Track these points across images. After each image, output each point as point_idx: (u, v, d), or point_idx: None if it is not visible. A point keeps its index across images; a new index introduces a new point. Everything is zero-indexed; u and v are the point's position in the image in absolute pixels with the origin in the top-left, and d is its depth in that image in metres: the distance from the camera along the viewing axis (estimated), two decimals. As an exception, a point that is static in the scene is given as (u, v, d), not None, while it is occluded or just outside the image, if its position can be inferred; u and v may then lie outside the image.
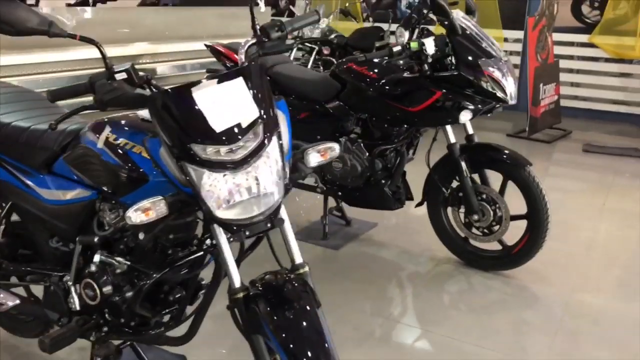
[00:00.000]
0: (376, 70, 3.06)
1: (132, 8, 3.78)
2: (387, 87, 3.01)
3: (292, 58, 6.36)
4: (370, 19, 7.88)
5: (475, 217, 3.05)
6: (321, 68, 6.19)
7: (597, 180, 4.88)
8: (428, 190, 3.22)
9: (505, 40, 7.41)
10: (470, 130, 3.13)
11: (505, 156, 2.99)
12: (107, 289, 1.76)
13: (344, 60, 3.23)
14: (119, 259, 1.77)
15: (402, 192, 3.29)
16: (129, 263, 1.76)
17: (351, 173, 3.22)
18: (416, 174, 3.27)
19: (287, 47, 1.73)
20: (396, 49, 2.85)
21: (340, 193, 3.37)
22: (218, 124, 1.39)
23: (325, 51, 6.51)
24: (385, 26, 6.29)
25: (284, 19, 1.74)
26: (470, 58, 2.84)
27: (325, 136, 3.32)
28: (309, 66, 6.31)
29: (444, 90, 2.87)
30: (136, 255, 1.78)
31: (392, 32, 5.92)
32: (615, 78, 6.92)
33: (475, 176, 3.11)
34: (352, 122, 3.26)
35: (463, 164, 3.02)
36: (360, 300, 2.85)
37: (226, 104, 1.41)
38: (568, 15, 7.33)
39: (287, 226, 1.67)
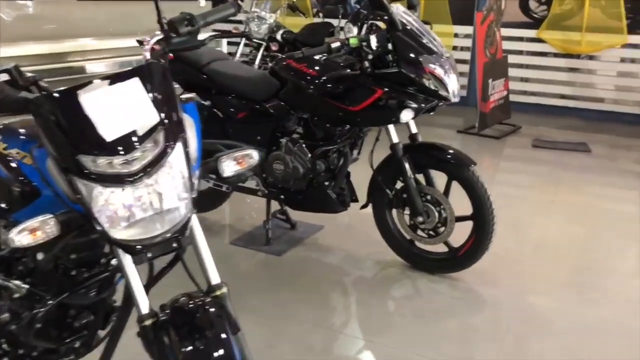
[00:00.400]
0: (316, 68, 2.92)
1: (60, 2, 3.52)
2: (327, 85, 2.87)
3: (239, 54, 6.18)
4: (320, 14, 7.75)
5: (420, 218, 2.94)
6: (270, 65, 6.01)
7: (547, 175, 4.86)
8: (372, 191, 3.09)
9: (456, 35, 7.38)
10: (414, 129, 3.02)
11: (449, 156, 2.88)
12: (4, 316, 1.56)
13: (282, 57, 3.07)
14: (16, 282, 1.57)
15: (347, 194, 3.16)
16: (27, 287, 1.56)
17: (293, 175, 3.07)
18: (361, 174, 3.15)
19: (199, 44, 1.56)
20: (335, 45, 2.71)
21: (282, 196, 3.22)
22: (109, 132, 1.21)
23: (274, 47, 6.33)
24: (335, 22, 6.16)
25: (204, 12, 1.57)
26: (411, 55, 2.72)
27: (265, 137, 3.17)
28: (256, 63, 6.13)
29: (386, 89, 2.75)
30: (36, 277, 1.59)
31: (342, 28, 5.76)
32: (564, 73, 6.96)
33: (421, 177, 3.01)
34: (294, 121, 3.11)
35: (406, 164, 2.91)
36: (301, 310, 2.71)
37: (120, 108, 1.24)
38: (516, 11, 7.34)
39: (201, 242, 1.50)
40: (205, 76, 3.24)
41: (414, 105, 2.74)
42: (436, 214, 2.93)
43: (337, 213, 3.15)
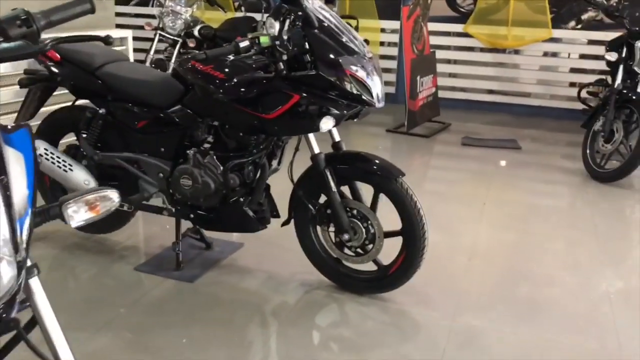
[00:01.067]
0: (225, 70, 2.56)
1: None
2: (237, 90, 2.53)
3: (152, 51, 5.71)
4: (242, 8, 7.36)
5: (346, 236, 2.66)
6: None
7: (477, 174, 4.71)
8: (294, 207, 2.79)
9: (383, 30, 7.18)
10: (337, 137, 2.74)
11: (375, 167, 2.60)
12: None
13: (186, 57, 2.70)
14: None
15: (266, 209, 2.84)
16: None
17: (203, 191, 2.72)
18: (283, 185, 2.83)
19: (36, 51, 1.19)
20: (243, 44, 2.37)
21: (191, 215, 2.86)
22: None
23: (191, 44, 5.92)
24: (258, 16, 5.80)
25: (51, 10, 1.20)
26: (330, 55, 2.42)
27: (170, 148, 2.81)
28: (172, 61, 5.70)
29: (303, 94, 2.43)
30: None
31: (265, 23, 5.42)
32: (491, 68, 6.89)
33: (346, 189, 2.72)
34: (202, 130, 2.76)
35: (329, 177, 2.62)
36: (213, 349, 2.36)
37: None
38: (443, 5, 7.21)
39: (45, 312, 1.14)
40: (99, 80, 2.84)
41: (335, 112, 2.45)
42: (363, 230, 2.66)
43: (255, 232, 2.82)
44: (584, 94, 5.48)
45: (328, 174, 2.61)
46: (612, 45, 4.82)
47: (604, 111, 4.63)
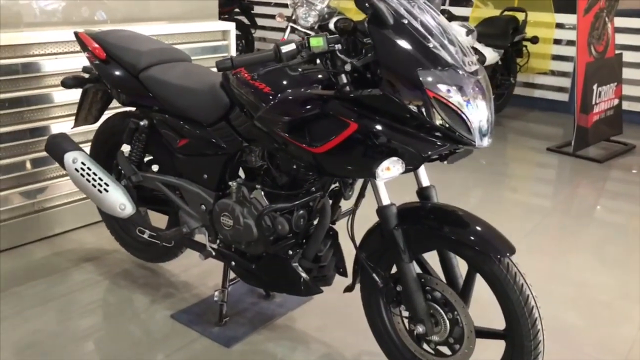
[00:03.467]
0: (273, 81, 1.89)
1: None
2: (281, 111, 1.84)
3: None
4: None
5: (421, 328, 1.84)
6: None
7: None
8: (358, 270, 2.03)
9: (560, 26, 6.00)
10: (425, 181, 1.92)
11: (469, 235, 1.73)
12: None
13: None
14: None
15: (329, 265, 2.13)
16: None
17: (245, 236, 2.09)
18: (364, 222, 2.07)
19: None
20: (287, 48, 1.67)
21: (233, 263, 2.24)
22: None
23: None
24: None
25: None
26: (404, 68, 1.61)
27: (214, 175, 2.21)
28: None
29: (364, 122, 1.67)
30: None
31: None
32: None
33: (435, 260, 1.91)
34: (255, 157, 2.12)
35: (401, 240, 1.81)
36: None
37: None
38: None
39: None
40: (142, 85, 2.32)
41: (408, 153, 1.65)
42: (447, 322, 1.83)
43: (306, 296, 2.13)
44: None
45: (400, 236, 1.81)
46: None
47: None
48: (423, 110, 1.59)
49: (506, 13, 5.75)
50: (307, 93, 1.81)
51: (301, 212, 2.03)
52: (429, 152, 1.65)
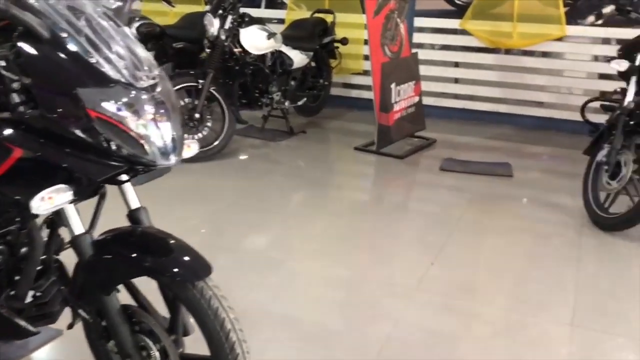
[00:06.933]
0: None
1: None
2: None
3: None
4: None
5: (132, 363, 1.72)
6: None
7: (440, 217, 3.65)
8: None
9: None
10: (133, 202, 1.78)
11: (163, 262, 1.61)
12: None
13: None
14: None
15: (53, 301, 1.94)
16: None
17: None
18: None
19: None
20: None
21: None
22: None
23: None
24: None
25: None
26: (58, 86, 1.47)
27: None
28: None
29: (29, 146, 1.51)
30: None
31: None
32: (492, 71, 5.79)
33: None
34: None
35: (97, 272, 1.67)
36: None
37: None
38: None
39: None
40: None
41: (80, 177, 1.51)
42: (157, 353, 1.72)
43: (22, 339, 1.92)
44: (596, 109, 4.32)
45: (95, 268, 1.67)
46: (626, 50, 3.68)
47: (610, 137, 3.52)
48: (88, 132, 1.46)
49: (316, 15, 5.80)
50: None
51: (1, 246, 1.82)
52: (103, 176, 1.52)
